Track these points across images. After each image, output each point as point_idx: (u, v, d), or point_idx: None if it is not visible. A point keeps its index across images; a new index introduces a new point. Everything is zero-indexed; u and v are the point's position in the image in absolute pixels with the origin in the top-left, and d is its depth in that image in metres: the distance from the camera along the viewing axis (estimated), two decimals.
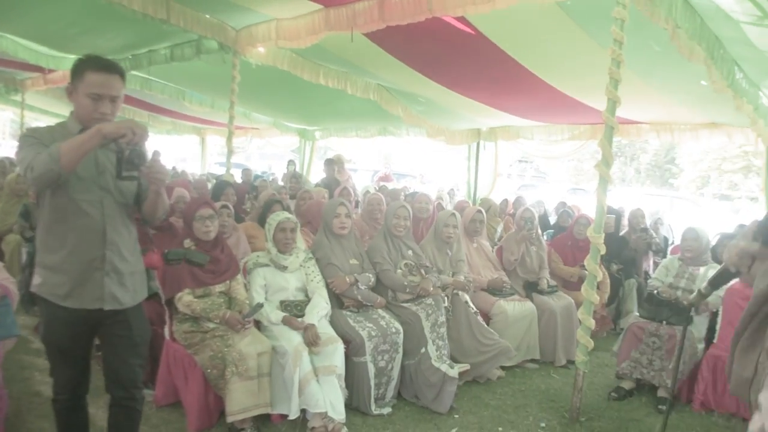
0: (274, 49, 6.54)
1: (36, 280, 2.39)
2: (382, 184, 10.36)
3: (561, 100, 6.51)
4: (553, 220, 8.45)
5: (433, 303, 4.02)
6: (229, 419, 3.17)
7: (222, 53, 6.69)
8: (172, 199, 4.61)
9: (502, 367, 4.51)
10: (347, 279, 3.94)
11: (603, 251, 3.71)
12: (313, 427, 3.31)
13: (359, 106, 8.54)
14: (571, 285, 5.36)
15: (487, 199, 8.07)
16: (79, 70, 2.32)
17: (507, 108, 7.50)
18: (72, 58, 8.04)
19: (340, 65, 7.02)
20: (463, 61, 5.94)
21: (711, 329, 4.35)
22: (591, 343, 3.74)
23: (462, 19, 4.90)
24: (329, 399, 3.29)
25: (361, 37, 5.59)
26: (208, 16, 6.07)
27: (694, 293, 1.36)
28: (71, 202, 2.30)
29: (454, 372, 3.76)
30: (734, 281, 4.28)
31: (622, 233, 6.47)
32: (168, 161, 14.74)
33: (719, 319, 4.20)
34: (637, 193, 19.92)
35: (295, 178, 7.20)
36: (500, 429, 3.62)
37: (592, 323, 3.72)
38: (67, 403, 2.52)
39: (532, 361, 4.80)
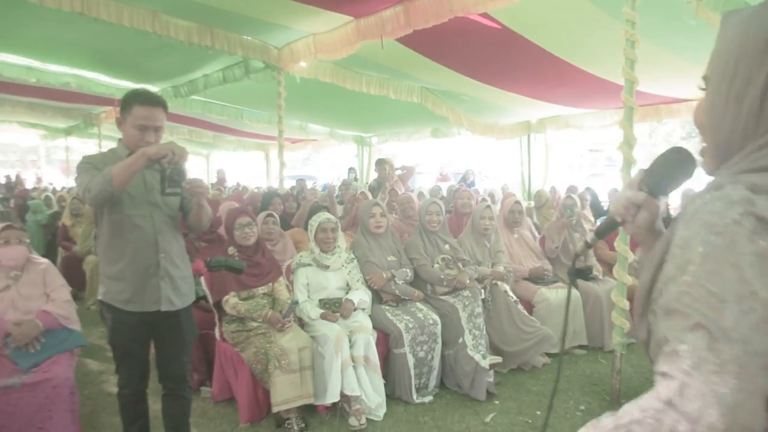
0: (316, 63, 6.82)
1: (101, 289, 2.71)
2: (438, 183, 10.47)
3: (600, 85, 6.44)
4: (606, 206, 8.29)
5: (470, 295, 4.13)
6: (274, 409, 3.40)
7: (269, 71, 7.05)
8: (223, 212, 4.94)
9: (549, 354, 4.55)
10: (384, 275, 4.12)
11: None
12: (352, 410, 3.48)
13: (409, 109, 8.70)
14: None
15: (541, 192, 8.01)
16: (127, 103, 2.63)
17: (549, 98, 7.47)
18: (137, 87, 8.73)
19: (381, 72, 7.23)
20: (495, 56, 6.01)
21: None
22: (626, 324, 3.73)
23: (486, 16, 4.99)
24: (363, 385, 3.49)
25: (396, 43, 5.78)
26: (249, 38, 6.43)
27: (581, 243, 1.34)
28: (126, 218, 2.61)
29: (485, 363, 3.84)
30: None
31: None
32: (234, 178, 15.45)
33: None
34: None
35: (344, 185, 7.46)
36: (538, 413, 3.69)
37: (625, 304, 3.72)
38: (131, 397, 2.84)
39: (580, 347, 4.79)
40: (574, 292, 4.83)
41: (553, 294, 4.73)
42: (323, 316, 3.76)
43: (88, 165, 2.60)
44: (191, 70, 7.88)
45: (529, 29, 5.15)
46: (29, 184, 14.19)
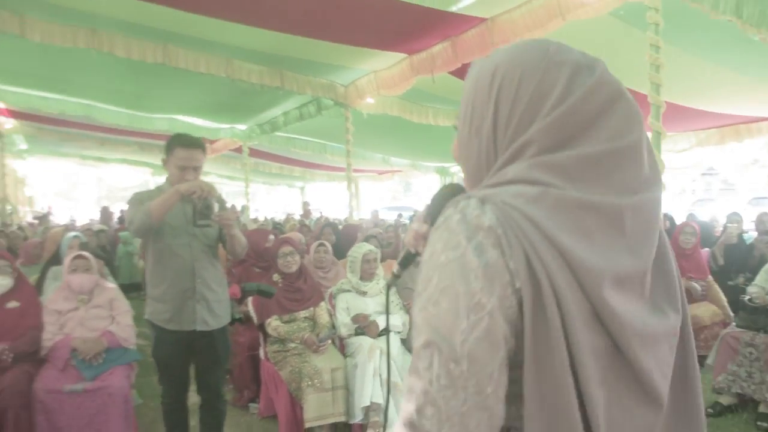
0: (383, 98, 7.15)
1: (147, 309, 3.08)
2: None
3: (672, 110, 6.25)
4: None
5: None
6: (306, 425, 3.61)
7: (338, 108, 7.47)
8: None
9: None
10: None
11: None
12: (370, 421, 3.61)
13: None
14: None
15: None
16: (170, 146, 2.99)
17: None
18: (226, 128, 9.51)
19: (446, 104, 7.44)
20: None
21: None
22: None
23: None
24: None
25: (450, 77, 5.98)
26: (317, 78, 6.88)
27: (389, 275, 1.27)
28: (166, 247, 2.96)
29: None
30: None
31: (750, 241, 5.90)
32: (325, 209, 16.11)
33: None
34: None
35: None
36: None
37: None
38: (171, 405, 3.18)
39: None
40: None
41: None
42: (354, 319, 4.01)
43: (136, 201, 2.96)
44: (271, 109, 8.47)
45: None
46: None
